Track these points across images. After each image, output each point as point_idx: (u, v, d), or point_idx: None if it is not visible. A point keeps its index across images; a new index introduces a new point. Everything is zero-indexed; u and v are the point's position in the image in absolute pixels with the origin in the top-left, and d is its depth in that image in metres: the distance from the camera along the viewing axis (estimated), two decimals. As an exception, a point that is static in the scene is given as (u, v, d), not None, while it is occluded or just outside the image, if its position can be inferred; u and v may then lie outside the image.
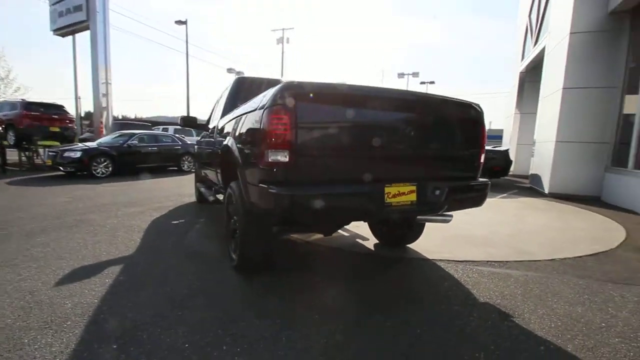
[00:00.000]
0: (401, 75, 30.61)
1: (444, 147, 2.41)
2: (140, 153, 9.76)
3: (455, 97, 2.52)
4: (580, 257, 3.23)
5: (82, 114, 21.62)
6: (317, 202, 1.84)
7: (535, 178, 8.14)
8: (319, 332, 1.87)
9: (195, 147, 5.76)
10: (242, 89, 3.69)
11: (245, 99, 3.57)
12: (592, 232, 4.20)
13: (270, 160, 1.85)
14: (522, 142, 11.97)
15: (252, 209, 2.23)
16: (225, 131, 3.10)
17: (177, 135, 12.10)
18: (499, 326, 1.99)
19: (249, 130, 2.17)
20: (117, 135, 10.31)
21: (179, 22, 21.35)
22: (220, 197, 3.97)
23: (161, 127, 17.59)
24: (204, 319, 1.97)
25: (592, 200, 6.55)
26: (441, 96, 2.39)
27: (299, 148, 1.85)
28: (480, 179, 2.64)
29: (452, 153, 2.45)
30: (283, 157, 1.84)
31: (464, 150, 2.49)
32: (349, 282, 2.65)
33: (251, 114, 2.16)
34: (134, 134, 10.03)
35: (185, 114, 5.51)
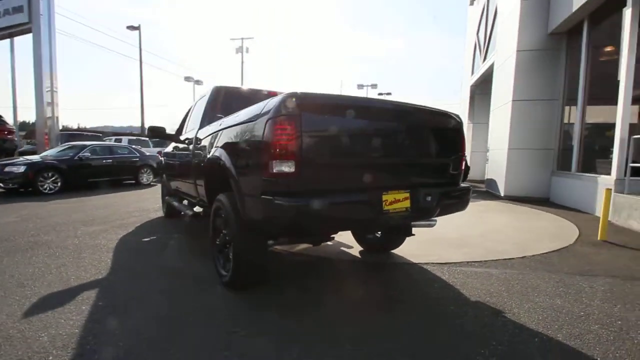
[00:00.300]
0: (360, 86, 31.74)
1: (431, 155, 2.53)
2: (93, 166, 9.00)
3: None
4: (546, 253, 3.54)
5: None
6: (323, 211, 1.84)
7: (491, 182, 8.81)
8: (329, 343, 1.84)
9: (163, 158, 5.45)
10: (221, 99, 3.59)
11: (226, 109, 3.51)
12: (550, 230, 4.62)
13: (274, 171, 1.82)
14: (475, 150, 12.89)
15: (250, 222, 2.16)
16: (207, 142, 2.98)
17: (133, 146, 11.37)
18: (494, 322, 2.11)
19: (247, 141, 2.12)
20: (65, 147, 9.44)
21: (131, 28, 20.31)
22: (198, 210, 3.80)
23: (113, 138, 16.45)
24: (204, 340, 1.85)
25: (542, 201, 7.22)
26: (429, 107, 2.53)
27: (303, 158, 1.84)
28: (462, 185, 2.80)
29: (439, 160, 2.59)
30: (288, 168, 1.82)
31: (448, 157, 2.64)
32: (344, 291, 2.65)
33: (248, 124, 2.11)
34: (85, 146, 9.25)
35: (153, 124, 5.08)
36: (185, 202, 4.54)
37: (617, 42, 5.59)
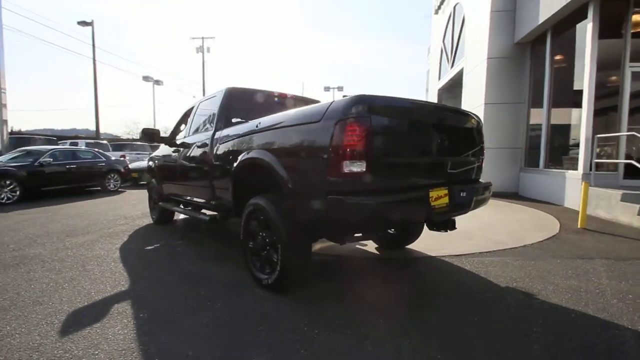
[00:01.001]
0: (327, 88, 32.16)
1: (463, 153, 2.71)
2: (55, 172, 8.20)
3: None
4: (541, 241, 3.90)
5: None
6: (392, 209, 1.91)
7: (464, 180, 9.43)
8: (395, 335, 1.91)
9: (153, 163, 5.14)
10: (235, 101, 3.50)
11: (241, 111, 3.45)
12: (533, 222, 5.08)
13: (345, 171, 1.86)
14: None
15: (307, 222, 2.16)
16: (234, 144, 2.91)
17: (97, 150, 10.52)
18: (531, 304, 2.31)
19: (307, 141, 2.11)
20: (21, 152, 8.50)
21: (83, 23, 18.75)
22: (209, 214, 3.65)
23: (68, 142, 15.08)
24: (279, 342, 1.83)
25: (512, 195, 7.88)
26: (462, 109, 2.70)
27: (372, 158, 1.90)
28: (482, 181, 3.02)
29: (468, 158, 2.77)
30: (359, 168, 1.87)
31: (475, 155, 2.83)
32: (382, 286, 2.72)
33: (308, 126, 2.10)
34: (44, 151, 8.40)
35: (147, 127, 4.93)
36: (183, 206, 4.34)
37: (575, 51, 6.30)
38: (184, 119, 4.81)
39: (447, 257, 3.33)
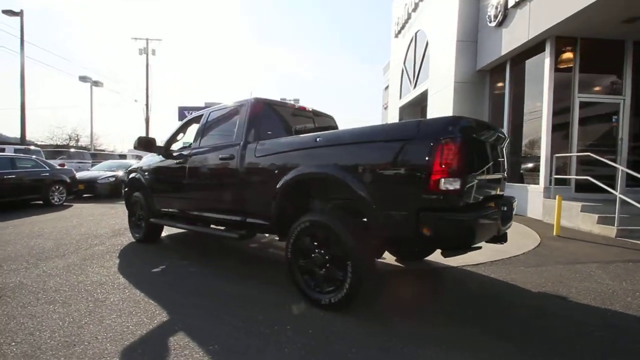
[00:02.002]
0: (283, 100, 32.19)
1: (503, 169, 2.93)
2: (-12, 184, 6.93)
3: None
4: (534, 249, 4.34)
5: None
6: (480, 225, 2.01)
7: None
8: (475, 345, 1.98)
9: (142, 174, 4.64)
10: (262, 112, 3.37)
11: (269, 123, 3.34)
12: (514, 230, 5.61)
13: (442, 188, 1.91)
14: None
15: (391, 238, 2.16)
16: (276, 159, 2.80)
17: (38, 158, 9.12)
18: (569, 306, 2.56)
19: (396, 159, 2.12)
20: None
21: (10, 13, 16.34)
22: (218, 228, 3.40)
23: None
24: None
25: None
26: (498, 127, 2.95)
27: (464, 176, 1.98)
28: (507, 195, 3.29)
29: (502, 174, 3.01)
30: (454, 185, 1.93)
31: (505, 170, 3.09)
32: (432, 297, 2.80)
33: (396, 143, 2.12)
34: (-27, 158, 7.07)
35: (142, 136, 4.48)
36: (185, 222, 3.98)
37: (526, 78, 7.28)
38: (183, 128, 4.47)
39: (469, 267, 3.53)
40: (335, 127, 4.25)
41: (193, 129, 4.66)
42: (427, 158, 1.96)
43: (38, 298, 2.63)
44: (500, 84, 8.17)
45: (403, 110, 13.85)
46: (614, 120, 6.56)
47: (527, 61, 7.29)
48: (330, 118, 4.36)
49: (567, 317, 2.38)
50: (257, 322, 2.26)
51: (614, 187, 5.17)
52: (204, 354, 1.86)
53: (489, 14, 7.69)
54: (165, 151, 4.33)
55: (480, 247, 2.21)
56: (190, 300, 2.64)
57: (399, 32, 13.77)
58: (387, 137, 2.21)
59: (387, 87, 19.07)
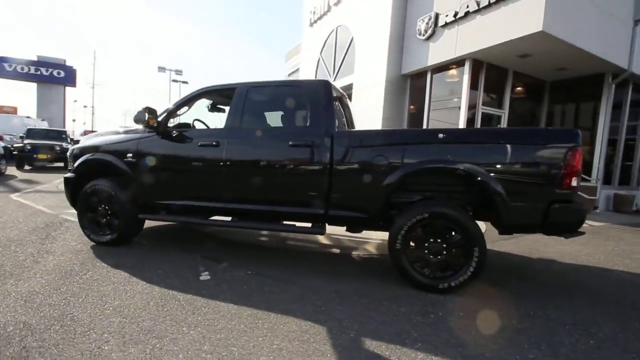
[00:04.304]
0: (162, 69, 27.62)
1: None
2: None
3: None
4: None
5: None
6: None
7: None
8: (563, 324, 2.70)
9: (134, 157, 3.50)
10: (333, 97, 3.20)
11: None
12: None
13: (573, 184, 2.47)
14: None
15: (517, 225, 2.58)
16: (395, 152, 2.82)
17: None
18: (619, 276, 3.51)
19: (533, 160, 2.57)
20: None
21: None
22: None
23: None
24: (553, 333, 2.23)
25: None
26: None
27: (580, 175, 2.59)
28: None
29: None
30: (577, 183, 2.51)
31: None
32: (502, 283, 3.25)
33: (534, 147, 2.57)
34: None
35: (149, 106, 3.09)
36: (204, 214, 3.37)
37: (450, 85, 8.96)
38: (190, 102, 3.63)
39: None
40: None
41: (202, 103, 3.91)
42: (564, 160, 2.48)
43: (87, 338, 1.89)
44: (419, 89, 9.67)
45: (317, 99, 14.36)
46: (498, 127, 8.88)
47: (445, 72, 8.92)
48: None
49: None
50: (413, 313, 2.33)
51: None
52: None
53: (418, 27, 8.92)
54: (164, 128, 3.46)
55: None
56: (311, 305, 2.41)
57: (315, 21, 14.07)
58: (522, 140, 2.62)
59: (291, 73, 19.19)
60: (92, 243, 3.65)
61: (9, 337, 1.86)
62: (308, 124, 3.09)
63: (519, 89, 9.28)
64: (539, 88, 9.90)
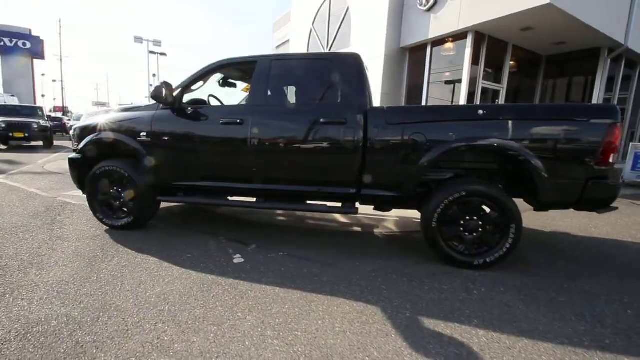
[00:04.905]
0: (139, 39, 25.83)
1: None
2: None
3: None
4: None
5: None
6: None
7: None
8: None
9: (149, 136, 3.28)
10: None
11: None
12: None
13: (611, 161, 2.48)
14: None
15: (554, 202, 2.61)
16: (433, 130, 2.75)
17: None
18: None
19: (572, 136, 2.54)
20: None
21: None
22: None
23: None
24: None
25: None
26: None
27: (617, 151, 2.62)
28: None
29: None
30: (614, 159, 2.53)
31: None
32: (527, 257, 3.42)
33: (569, 123, 2.53)
34: None
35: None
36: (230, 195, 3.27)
37: (451, 58, 8.83)
38: (205, 77, 3.40)
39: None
40: None
41: (215, 79, 3.68)
42: (604, 137, 2.48)
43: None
44: (419, 63, 9.49)
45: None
46: (496, 102, 8.92)
47: (445, 45, 8.76)
48: None
49: None
50: (456, 290, 2.36)
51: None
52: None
53: (420, -4, 8.62)
54: (180, 105, 3.25)
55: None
56: (356, 286, 2.40)
57: (307, -11, 13.37)
58: (561, 116, 2.59)
59: (280, 45, 18.42)
60: (105, 227, 3.49)
61: (56, 332, 1.76)
62: (339, 100, 2.95)
63: (516, 63, 9.27)
64: (535, 62, 9.93)
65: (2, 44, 23.16)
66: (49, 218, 3.79)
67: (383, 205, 3.12)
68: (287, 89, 3.43)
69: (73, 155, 3.61)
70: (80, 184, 3.61)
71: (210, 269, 2.59)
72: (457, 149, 2.69)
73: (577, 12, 6.73)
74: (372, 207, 3.21)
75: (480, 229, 2.73)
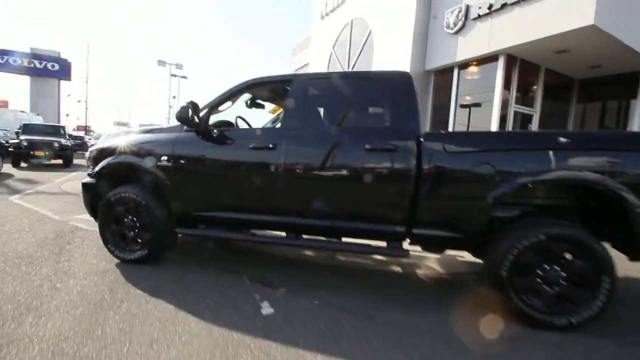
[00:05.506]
0: (162, 63, 26.78)
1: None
2: None
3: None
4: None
5: None
6: None
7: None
8: None
9: (170, 160, 2.95)
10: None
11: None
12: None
13: None
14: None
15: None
16: (506, 160, 2.35)
17: None
18: None
19: None
20: None
21: None
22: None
23: None
24: None
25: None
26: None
27: None
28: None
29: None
30: None
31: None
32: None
33: None
34: None
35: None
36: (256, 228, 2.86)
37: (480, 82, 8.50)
38: (234, 96, 3.11)
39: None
40: None
41: (243, 99, 3.39)
42: None
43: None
44: (444, 86, 9.20)
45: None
46: (529, 127, 8.45)
47: (473, 68, 8.45)
48: None
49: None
50: None
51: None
52: None
53: (447, 20, 8.43)
54: (206, 127, 2.94)
55: None
56: (417, 353, 1.92)
57: (327, 14, 13.51)
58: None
59: (299, 68, 18.61)
60: (116, 260, 3.13)
61: (42, 417, 1.35)
62: (387, 123, 2.58)
63: (549, 86, 8.86)
64: (568, 86, 9.50)
65: (32, 65, 24.26)
66: (57, 247, 3.47)
67: (436, 246, 2.66)
68: (326, 111, 3.10)
69: (87, 179, 3.32)
70: (93, 210, 3.30)
71: (235, 322, 2.15)
72: (538, 183, 2.25)
73: (620, 34, 6.34)
74: (420, 247, 2.76)
75: (562, 281, 2.24)
